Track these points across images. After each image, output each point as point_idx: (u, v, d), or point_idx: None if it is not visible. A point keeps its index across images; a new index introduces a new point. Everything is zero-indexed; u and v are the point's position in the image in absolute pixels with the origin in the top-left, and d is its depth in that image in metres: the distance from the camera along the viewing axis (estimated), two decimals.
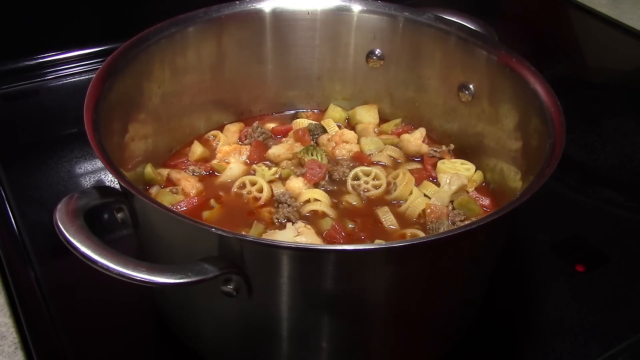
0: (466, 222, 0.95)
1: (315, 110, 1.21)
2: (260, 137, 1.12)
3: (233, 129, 1.15)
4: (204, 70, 1.08)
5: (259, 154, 1.09)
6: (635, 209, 1.18)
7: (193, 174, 1.05)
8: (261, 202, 0.99)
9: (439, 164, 1.06)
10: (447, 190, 0.99)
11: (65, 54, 1.43)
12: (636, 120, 1.40)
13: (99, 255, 0.66)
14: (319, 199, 0.99)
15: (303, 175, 1.03)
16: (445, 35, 1.04)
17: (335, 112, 1.18)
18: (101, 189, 0.76)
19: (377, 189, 1.02)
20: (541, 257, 1.06)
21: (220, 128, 1.15)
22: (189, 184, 1.02)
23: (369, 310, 0.77)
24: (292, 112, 1.21)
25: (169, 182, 1.03)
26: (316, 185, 1.02)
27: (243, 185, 1.02)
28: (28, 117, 1.32)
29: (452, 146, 1.11)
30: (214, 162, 1.07)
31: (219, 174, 1.05)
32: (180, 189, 1.01)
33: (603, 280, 1.02)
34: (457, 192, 1.00)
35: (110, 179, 1.15)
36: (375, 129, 1.16)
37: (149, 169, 1.01)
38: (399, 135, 1.13)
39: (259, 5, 1.08)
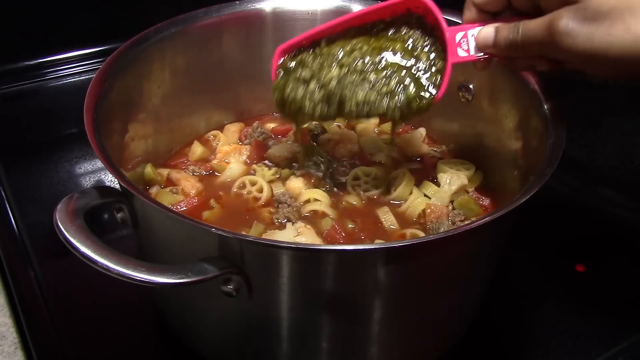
0: (466, 222, 0.95)
1: None
2: (260, 137, 1.12)
3: (233, 129, 1.15)
4: (204, 70, 1.08)
5: (259, 154, 1.08)
6: (635, 209, 1.18)
7: (193, 174, 1.05)
8: (261, 202, 0.99)
9: (439, 164, 1.06)
10: (447, 190, 0.99)
11: (65, 54, 1.43)
12: (636, 120, 1.40)
13: (99, 255, 0.66)
14: (319, 199, 0.99)
15: (303, 175, 1.03)
16: None
17: None
18: (101, 189, 0.76)
19: (377, 189, 1.02)
20: (541, 257, 1.06)
21: (220, 128, 1.15)
22: (189, 184, 1.02)
23: (369, 310, 0.77)
24: None
25: (169, 182, 1.03)
26: (316, 186, 1.02)
27: (243, 185, 1.02)
28: (28, 117, 1.32)
29: (452, 146, 1.11)
30: (214, 162, 1.07)
31: (219, 174, 1.05)
32: (180, 189, 1.01)
33: (603, 280, 1.02)
34: (457, 192, 1.00)
35: (110, 179, 1.15)
36: (375, 129, 1.16)
37: (149, 169, 1.01)
38: (399, 135, 1.13)
39: (259, 5, 1.08)
